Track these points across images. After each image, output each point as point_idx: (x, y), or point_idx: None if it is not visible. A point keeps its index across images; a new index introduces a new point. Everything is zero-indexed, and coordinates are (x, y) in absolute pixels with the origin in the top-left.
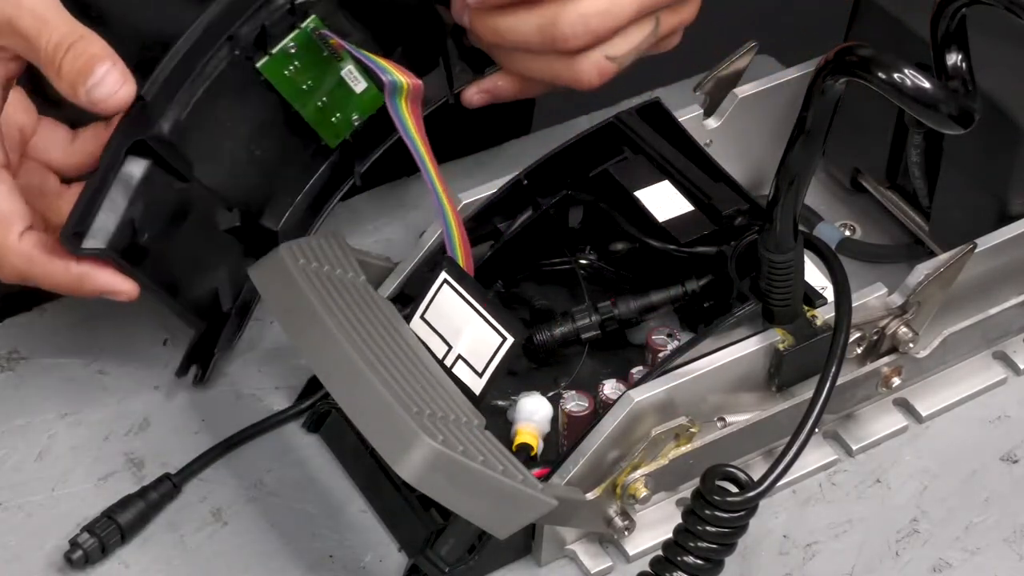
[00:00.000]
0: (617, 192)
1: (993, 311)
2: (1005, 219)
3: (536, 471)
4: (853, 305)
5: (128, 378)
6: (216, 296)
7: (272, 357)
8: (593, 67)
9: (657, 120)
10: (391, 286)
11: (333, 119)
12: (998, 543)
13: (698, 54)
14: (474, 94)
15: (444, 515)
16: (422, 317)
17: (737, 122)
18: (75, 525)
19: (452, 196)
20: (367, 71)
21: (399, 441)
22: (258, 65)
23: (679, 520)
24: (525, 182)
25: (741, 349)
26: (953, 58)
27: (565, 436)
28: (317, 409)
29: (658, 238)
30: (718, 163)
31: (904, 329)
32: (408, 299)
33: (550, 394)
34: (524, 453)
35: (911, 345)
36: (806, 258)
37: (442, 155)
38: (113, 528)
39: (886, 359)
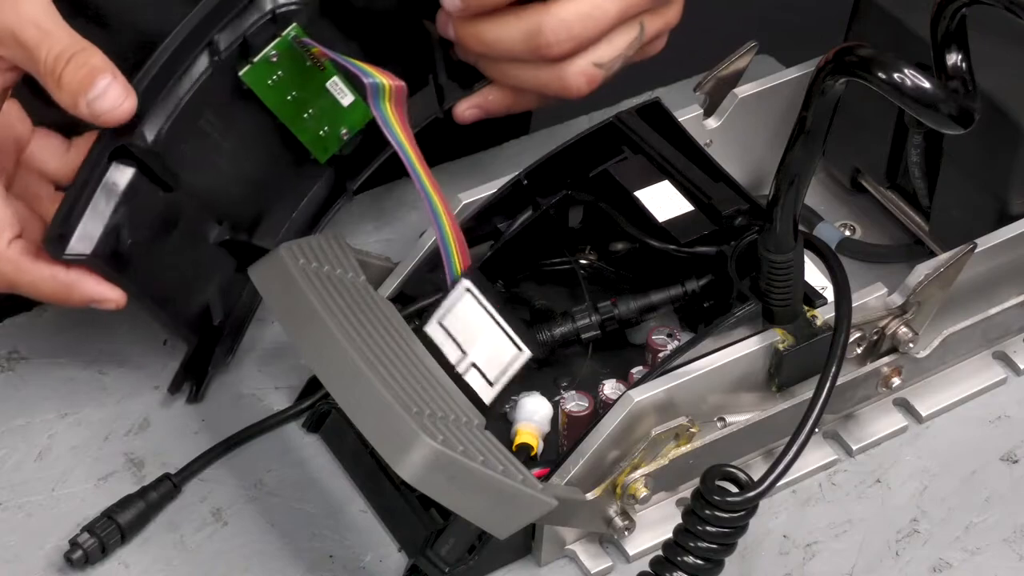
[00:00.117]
0: (617, 192)
1: (993, 311)
2: (1005, 219)
3: (536, 471)
4: (853, 305)
5: (128, 378)
6: (207, 311)
7: (272, 357)
8: (580, 74)
9: (657, 120)
10: (391, 286)
11: (321, 132)
12: (998, 543)
13: (698, 54)
14: (465, 109)
15: (444, 515)
16: (439, 322)
17: (737, 122)
18: (75, 525)
19: (443, 195)
20: (353, 83)
21: (399, 441)
22: (240, 74)
23: (679, 520)
24: (525, 182)
25: (741, 349)
26: (953, 58)
27: (565, 436)
28: (317, 409)
29: (658, 238)
30: (718, 163)
31: (904, 329)
32: (408, 299)
33: (555, 399)
34: (524, 453)
35: (911, 345)
36: (806, 258)
37: (442, 156)
38: (113, 528)
39: (886, 359)
